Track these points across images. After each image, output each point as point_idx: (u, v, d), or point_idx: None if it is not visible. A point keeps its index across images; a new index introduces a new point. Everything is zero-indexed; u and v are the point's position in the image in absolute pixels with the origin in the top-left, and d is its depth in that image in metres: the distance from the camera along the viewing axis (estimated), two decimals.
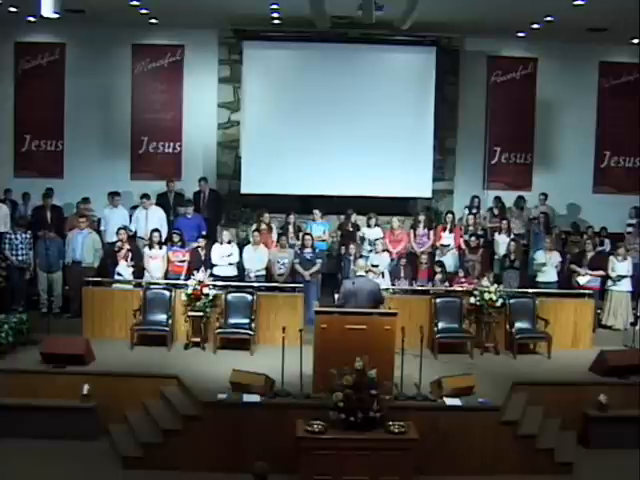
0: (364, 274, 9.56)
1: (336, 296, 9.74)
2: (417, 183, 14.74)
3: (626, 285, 12.14)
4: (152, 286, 11.08)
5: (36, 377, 9.37)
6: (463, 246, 12.75)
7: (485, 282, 11.13)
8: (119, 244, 11.83)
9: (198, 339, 10.70)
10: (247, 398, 8.74)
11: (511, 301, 10.93)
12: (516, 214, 14.24)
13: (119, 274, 11.59)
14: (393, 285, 11.63)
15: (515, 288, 11.57)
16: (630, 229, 13.93)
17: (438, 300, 10.92)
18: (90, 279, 11.25)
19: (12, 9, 12.92)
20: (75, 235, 12.10)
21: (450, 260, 12.54)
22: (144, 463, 8.51)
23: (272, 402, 8.71)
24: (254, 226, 12.99)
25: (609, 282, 12.19)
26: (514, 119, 15.36)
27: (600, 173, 15.61)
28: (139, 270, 11.74)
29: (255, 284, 11.33)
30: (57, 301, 12.07)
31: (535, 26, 13.49)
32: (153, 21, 14.08)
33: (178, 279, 11.39)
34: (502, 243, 12.94)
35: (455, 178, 15.32)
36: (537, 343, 10.91)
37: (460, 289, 11.31)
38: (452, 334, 10.72)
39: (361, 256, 11.31)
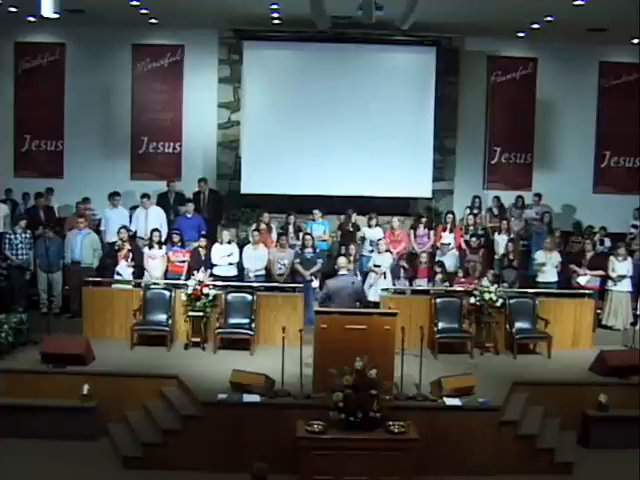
0: (346, 272, 9.58)
1: (318, 295, 9.61)
2: (417, 183, 14.75)
3: (626, 285, 12.14)
4: (152, 286, 11.07)
5: (36, 377, 9.36)
6: (464, 246, 12.76)
7: (485, 282, 11.13)
8: (119, 244, 11.83)
9: (198, 339, 10.69)
10: (247, 398, 8.74)
11: (511, 301, 10.92)
12: (516, 214, 14.24)
13: (118, 274, 11.59)
14: (393, 285, 11.62)
15: (513, 287, 11.58)
16: (634, 230, 13.91)
17: (438, 300, 10.91)
18: (90, 279, 11.25)
19: (12, 9, 12.92)
20: (74, 235, 12.10)
21: (450, 260, 12.53)
22: (144, 463, 8.50)
23: (272, 402, 8.70)
24: (254, 226, 12.99)
25: (609, 282, 12.19)
26: (514, 119, 15.37)
27: (600, 173, 15.62)
28: (139, 270, 11.74)
29: (255, 284, 11.33)
30: (57, 301, 12.07)
31: (535, 26, 13.49)
32: (153, 21, 14.08)
33: (178, 279, 11.39)
34: (502, 243, 12.94)
35: (455, 178, 15.32)
36: (537, 343, 10.90)
37: (460, 289, 11.32)
38: (452, 334, 10.72)
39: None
